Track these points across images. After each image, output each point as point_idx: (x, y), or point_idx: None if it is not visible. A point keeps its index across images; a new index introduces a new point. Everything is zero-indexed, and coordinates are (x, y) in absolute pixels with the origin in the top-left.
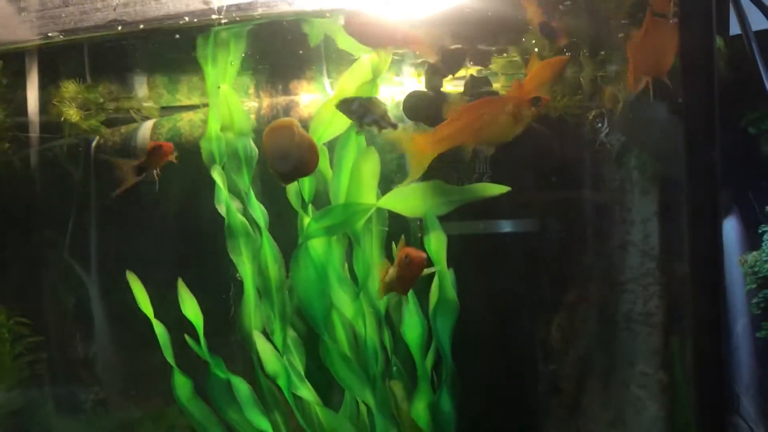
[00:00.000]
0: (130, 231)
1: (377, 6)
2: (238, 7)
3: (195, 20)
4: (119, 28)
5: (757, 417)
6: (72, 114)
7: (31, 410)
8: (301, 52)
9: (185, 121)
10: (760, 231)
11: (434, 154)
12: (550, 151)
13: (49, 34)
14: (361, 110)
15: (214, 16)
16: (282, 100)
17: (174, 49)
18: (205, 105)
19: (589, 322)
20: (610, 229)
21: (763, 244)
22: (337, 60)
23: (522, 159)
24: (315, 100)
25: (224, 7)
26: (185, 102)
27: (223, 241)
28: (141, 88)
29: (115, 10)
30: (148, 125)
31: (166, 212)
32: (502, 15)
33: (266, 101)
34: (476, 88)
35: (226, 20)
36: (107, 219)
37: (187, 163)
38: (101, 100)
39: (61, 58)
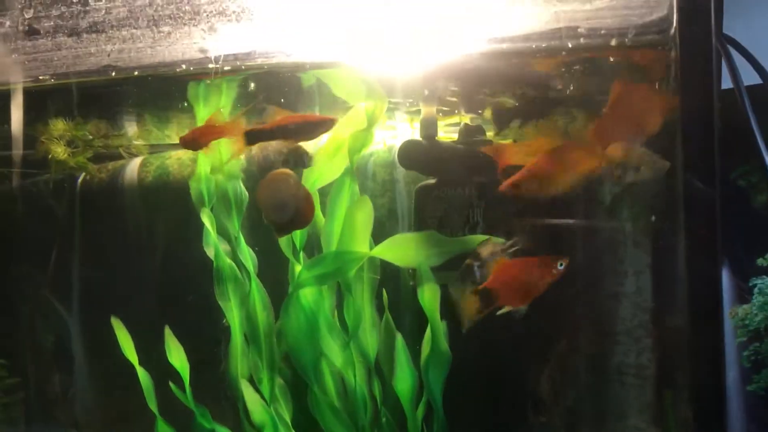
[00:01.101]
0: (114, 271)
1: (374, 59)
2: (235, 57)
3: (191, 68)
4: (112, 73)
5: None
6: (59, 152)
7: None
8: (291, 95)
9: (173, 159)
10: (750, 284)
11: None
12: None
13: (40, 77)
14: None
15: (211, 66)
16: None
17: (165, 91)
18: None
19: (580, 374)
20: (602, 280)
21: (754, 297)
22: (329, 104)
23: (514, 208)
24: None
25: (221, 57)
26: (174, 140)
27: (210, 284)
28: (130, 125)
29: (109, 55)
30: (135, 162)
31: (152, 252)
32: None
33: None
34: (470, 136)
35: (226, 68)
36: (91, 257)
37: (175, 202)
38: (89, 137)
39: (49, 96)
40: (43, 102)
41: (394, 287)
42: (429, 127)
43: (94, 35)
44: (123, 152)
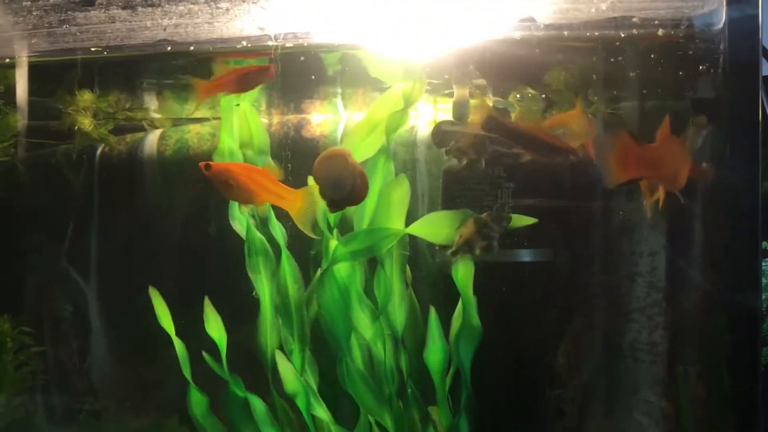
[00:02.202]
0: (133, 243)
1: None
2: (294, 35)
3: (249, 45)
4: (168, 48)
5: None
6: (86, 123)
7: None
8: (314, 75)
9: (193, 134)
10: None
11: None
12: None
13: (92, 49)
14: None
15: (270, 43)
16: (293, 118)
17: (188, 67)
18: (215, 118)
19: (595, 350)
20: (618, 261)
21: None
22: (352, 82)
23: (539, 189)
24: (327, 120)
25: (282, 35)
26: (194, 115)
27: (231, 256)
28: (150, 99)
29: (165, 29)
30: (155, 135)
31: (171, 224)
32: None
33: (277, 118)
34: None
35: (287, 45)
36: (111, 229)
37: (195, 176)
38: (111, 110)
39: (73, 68)
40: (67, 74)
41: (420, 264)
42: (461, 109)
43: (149, 9)
44: (146, 125)
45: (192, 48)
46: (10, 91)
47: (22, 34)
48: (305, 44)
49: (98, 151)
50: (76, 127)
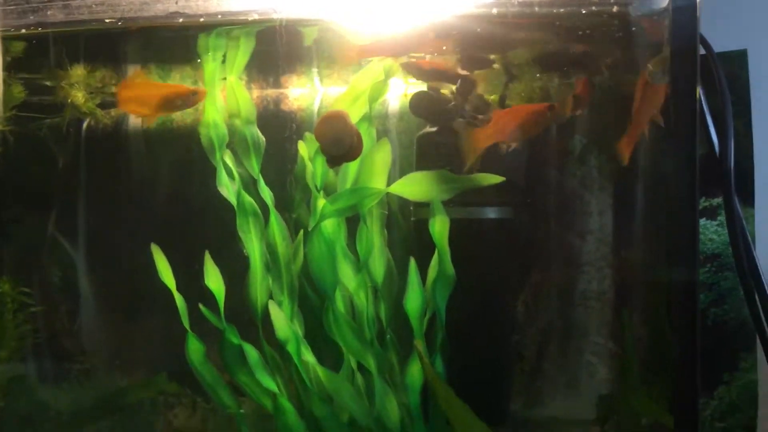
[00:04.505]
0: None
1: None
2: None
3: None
4: (180, 20)
5: None
6: (80, 97)
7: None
8: (294, 48)
9: None
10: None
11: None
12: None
13: (107, 21)
14: None
15: (275, 16)
16: (272, 92)
17: (174, 41)
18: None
19: (551, 299)
20: (572, 220)
21: None
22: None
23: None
24: (304, 94)
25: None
26: None
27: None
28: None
29: (177, 2)
30: None
31: (158, 194)
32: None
33: (256, 92)
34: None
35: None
36: (98, 199)
37: (178, 148)
38: (100, 84)
39: (60, 42)
40: (58, 48)
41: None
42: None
43: None
44: None
45: (201, 20)
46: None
47: None
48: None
49: (84, 125)
50: (69, 101)
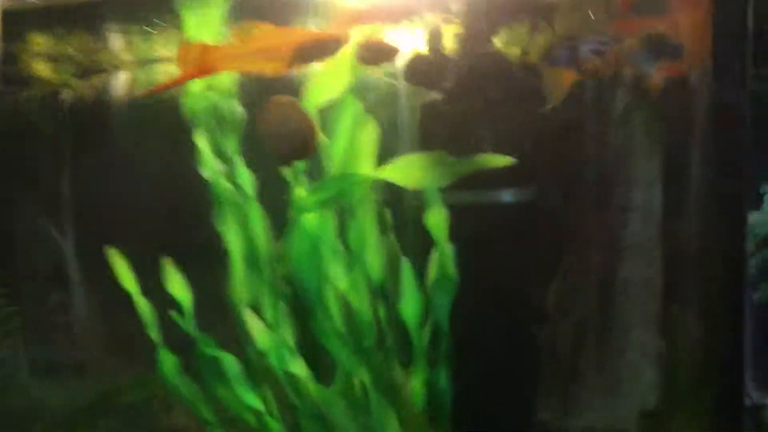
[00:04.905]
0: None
1: None
2: None
3: None
4: None
5: (754, 385)
6: (40, 69)
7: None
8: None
9: (162, 74)
10: (761, 192)
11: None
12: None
13: None
14: None
15: None
16: None
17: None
18: None
19: (587, 288)
20: (611, 192)
21: (764, 205)
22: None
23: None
24: None
25: None
26: (162, 54)
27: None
28: (115, 38)
29: None
30: (122, 77)
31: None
32: None
33: None
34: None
35: None
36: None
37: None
38: (71, 51)
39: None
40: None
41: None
42: (435, 40)
43: None
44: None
45: None
46: None
47: None
48: None
49: (62, 96)
50: (31, 73)
